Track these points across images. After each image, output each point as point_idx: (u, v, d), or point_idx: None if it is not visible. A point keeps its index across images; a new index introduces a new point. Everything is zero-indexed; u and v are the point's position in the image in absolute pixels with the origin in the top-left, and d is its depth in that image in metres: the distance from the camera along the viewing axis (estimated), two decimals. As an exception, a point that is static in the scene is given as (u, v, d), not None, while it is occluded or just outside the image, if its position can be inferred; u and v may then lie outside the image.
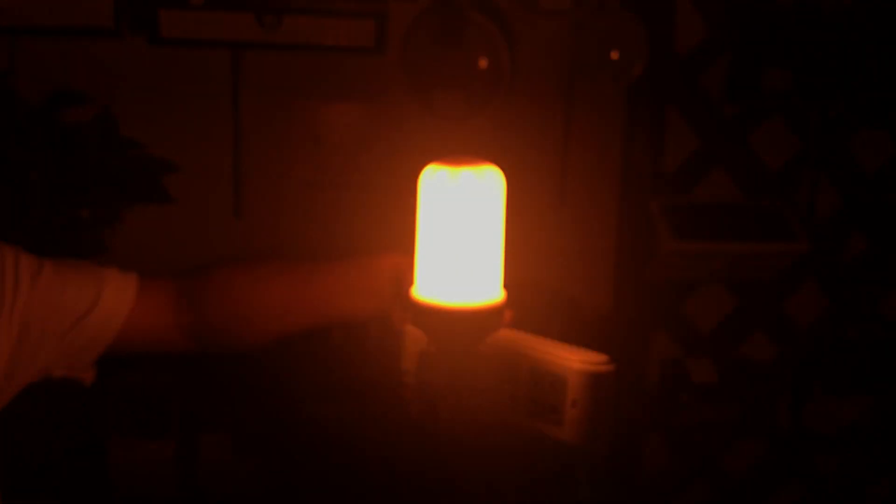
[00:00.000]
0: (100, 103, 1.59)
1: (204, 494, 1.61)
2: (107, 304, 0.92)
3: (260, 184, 1.74)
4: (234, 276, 0.98)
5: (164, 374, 1.62)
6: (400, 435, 1.29)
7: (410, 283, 0.86)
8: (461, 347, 0.83)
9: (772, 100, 1.82)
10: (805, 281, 1.99)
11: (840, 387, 1.99)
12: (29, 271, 0.89)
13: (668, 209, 1.81)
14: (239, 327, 0.97)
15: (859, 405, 2.02)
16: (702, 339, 1.96)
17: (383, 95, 1.74)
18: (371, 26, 1.61)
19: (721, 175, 1.91)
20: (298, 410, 1.60)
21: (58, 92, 1.61)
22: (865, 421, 2.05)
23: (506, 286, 0.85)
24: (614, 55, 1.71)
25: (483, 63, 1.70)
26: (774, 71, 1.77)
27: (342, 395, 1.58)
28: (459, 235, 0.82)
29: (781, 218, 1.87)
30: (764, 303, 1.97)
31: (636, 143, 1.82)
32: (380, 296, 0.95)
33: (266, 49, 1.65)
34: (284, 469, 1.61)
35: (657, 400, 1.93)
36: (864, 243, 2.00)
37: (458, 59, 1.68)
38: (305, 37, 1.61)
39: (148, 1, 1.56)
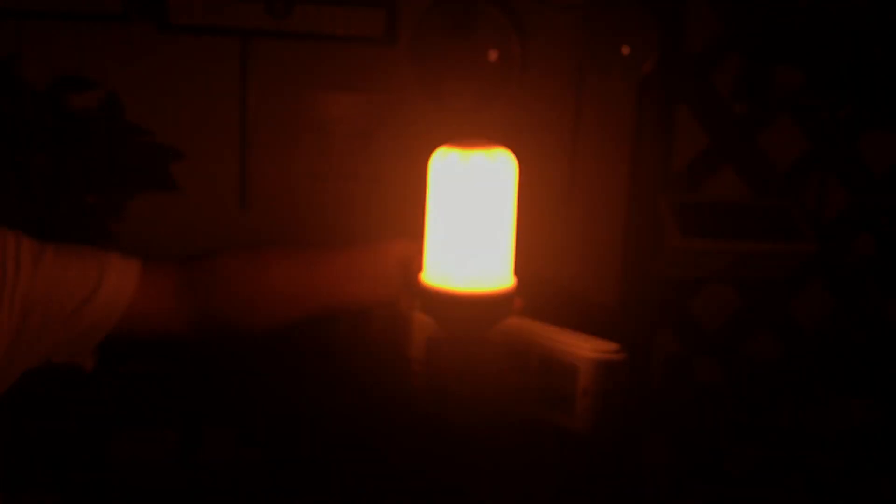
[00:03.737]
0: (106, 89, 1.59)
1: (206, 485, 1.60)
2: (109, 289, 0.91)
3: (266, 173, 1.74)
4: (238, 263, 0.97)
5: (168, 365, 1.61)
6: (407, 425, 1.28)
7: (419, 269, 0.86)
8: (470, 334, 0.83)
9: (782, 99, 1.82)
10: (811, 281, 1.99)
11: (844, 388, 1.99)
12: (31, 255, 0.89)
13: (676, 206, 1.80)
14: (243, 314, 0.96)
15: (863, 407, 2.01)
16: (706, 337, 1.96)
17: (392, 86, 1.73)
18: (381, 16, 1.61)
19: (730, 173, 1.90)
20: (303, 400, 1.59)
21: (64, 77, 1.61)
22: (869, 423, 2.04)
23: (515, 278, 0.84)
24: (625, 50, 1.71)
25: (493, 55, 1.69)
26: (785, 70, 1.76)
27: (347, 387, 1.58)
28: (470, 220, 0.81)
29: (789, 217, 1.87)
30: (769, 302, 1.96)
31: (645, 139, 1.81)
32: (387, 282, 0.95)
33: (275, 37, 1.64)
34: (288, 460, 1.61)
35: (660, 397, 1.93)
36: (871, 245, 2.00)
37: (469, 51, 1.67)
38: (315, 26, 1.61)
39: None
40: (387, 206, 1.46)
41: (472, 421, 0.83)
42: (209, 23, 1.59)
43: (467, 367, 0.82)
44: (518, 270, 0.85)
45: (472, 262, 0.81)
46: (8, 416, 1.45)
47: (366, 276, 0.95)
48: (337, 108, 1.74)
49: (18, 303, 0.86)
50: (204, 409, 1.62)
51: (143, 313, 0.93)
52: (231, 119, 1.71)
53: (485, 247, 0.82)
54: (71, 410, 1.56)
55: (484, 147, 0.81)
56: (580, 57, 1.76)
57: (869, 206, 1.97)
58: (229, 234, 1.71)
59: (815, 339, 2.01)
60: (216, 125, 1.71)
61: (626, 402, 0.82)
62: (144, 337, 0.96)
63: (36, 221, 1.49)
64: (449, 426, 0.83)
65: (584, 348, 0.82)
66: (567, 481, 1.45)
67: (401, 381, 0.91)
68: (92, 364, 0.95)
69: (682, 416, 1.92)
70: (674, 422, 1.94)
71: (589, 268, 1.85)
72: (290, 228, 1.74)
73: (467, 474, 0.87)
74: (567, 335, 0.85)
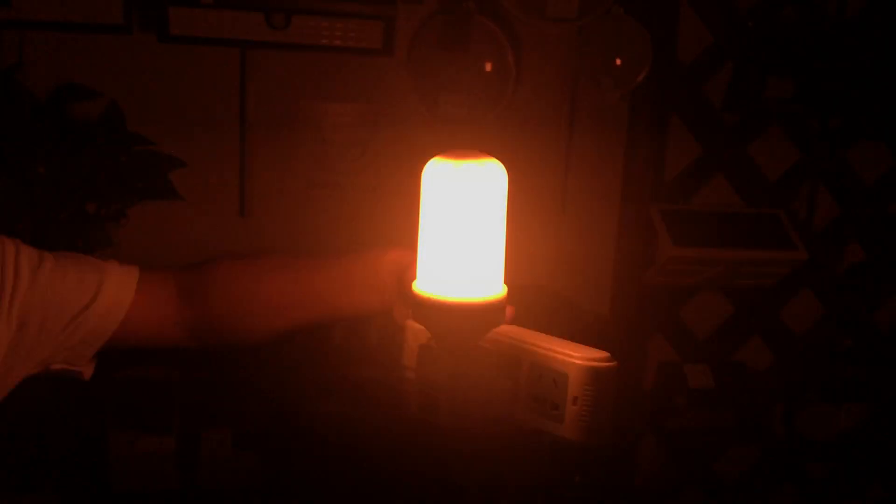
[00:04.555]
0: (108, 99, 1.60)
1: (204, 489, 1.61)
2: (107, 297, 0.91)
3: (265, 182, 1.75)
4: (235, 271, 0.97)
5: (166, 369, 1.62)
6: (400, 431, 1.29)
7: (413, 277, 0.86)
8: (462, 342, 0.82)
9: (772, 109, 1.84)
10: (801, 289, 2.01)
11: (834, 394, 2.01)
12: (29, 264, 0.89)
13: (668, 215, 1.82)
14: (240, 322, 0.97)
15: (852, 413, 2.03)
16: (698, 344, 1.97)
17: (389, 96, 1.75)
18: (379, 28, 1.62)
19: (721, 183, 1.93)
20: (299, 406, 1.61)
21: (66, 86, 1.63)
22: (858, 429, 2.06)
23: (507, 287, 0.84)
24: (618, 62, 1.73)
25: (488, 67, 1.71)
26: (776, 81, 1.78)
27: (343, 392, 1.59)
28: (461, 229, 0.81)
29: (780, 226, 1.89)
30: (760, 310, 1.98)
31: (638, 149, 1.83)
32: (382, 291, 0.95)
33: (274, 48, 1.66)
34: (284, 465, 1.62)
35: (653, 404, 1.94)
36: (861, 253, 2.02)
37: (464, 63, 1.69)
38: (314, 37, 1.62)
39: (158, -1, 1.57)
40: (383, 214, 1.48)
41: (462, 427, 0.83)
42: (209, 34, 1.60)
43: (458, 374, 0.83)
44: (512, 279, 0.86)
45: (464, 272, 0.81)
46: (8, 420, 1.46)
47: (361, 285, 0.95)
48: (335, 118, 1.75)
49: (16, 311, 0.87)
50: (202, 413, 1.63)
51: (141, 321, 0.94)
52: (230, 128, 1.72)
53: (476, 256, 0.82)
54: (70, 414, 1.57)
55: (474, 158, 0.81)
56: (574, 68, 1.78)
57: (858, 216, 2.00)
58: (229, 242, 1.72)
59: (806, 346, 2.03)
60: (216, 134, 1.72)
61: (616, 409, 0.83)
62: (142, 344, 0.97)
63: (37, 229, 1.50)
64: (440, 433, 0.84)
65: (575, 356, 0.82)
66: (559, 487, 1.46)
67: (394, 388, 0.92)
68: (90, 371, 0.96)
69: (675, 421, 1.93)
70: (667, 428, 1.95)
71: (582, 276, 1.87)
72: (289, 236, 1.75)
73: (459, 480, 0.88)
74: (558, 343, 0.85)
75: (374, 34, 1.63)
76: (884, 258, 2.01)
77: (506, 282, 0.85)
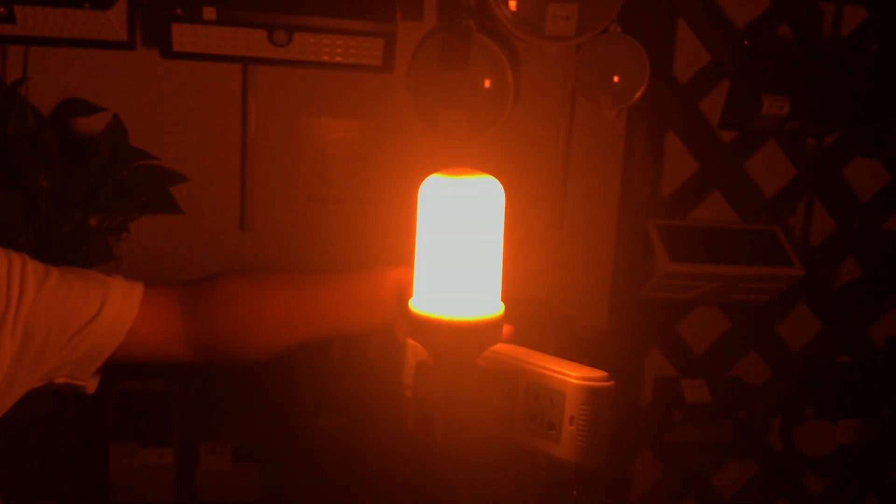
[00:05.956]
0: (111, 113, 1.62)
1: (203, 502, 1.62)
2: (111, 312, 0.92)
3: (266, 197, 1.76)
4: (237, 287, 0.97)
5: (166, 382, 1.63)
6: (398, 447, 1.29)
7: (412, 295, 0.85)
8: (458, 361, 0.81)
9: (768, 126, 1.85)
10: (798, 304, 2.02)
11: (830, 409, 2.01)
12: (35, 277, 0.89)
13: (665, 231, 1.83)
14: (243, 339, 0.97)
15: (849, 428, 2.04)
16: (695, 359, 1.98)
17: (389, 113, 1.76)
18: (379, 45, 1.63)
19: (717, 199, 1.94)
20: (298, 420, 1.61)
21: (70, 101, 1.64)
22: (855, 444, 2.06)
23: (504, 303, 0.83)
24: (615, 79, 1.75)
25: (487, 84, 1.73)
26: (771, 98, 1.80)
27: (341, 407, 1.60)
28: (457, 247, 0.80)
29: (776, 242, 1.90)
30: (757, 325, 1.99)
31: (635, 165, 1.84)
32: (383, 308, 0.95)
33: (276, 65, 1.67)
34: (283, 478, 1.62)
35: (650, 418, 1.95)
36: (857, 269, 2.03)
37: (463, 80, 1.71)
38: (315, 54, 1.62)
39: (161, 15, 1.57)
40: (384, 228, 1.49)
41: (458, 446, 0.83)
42: (212, 50, 1.60)
43: (455, 392, 0.81)
44: (511, 293, 0.86)
45: (460, 290, 0.80)
46: (10, 431, 1.46)
47: (363, 302, 0.95)
48: (335, 133, 1.77)
49: (21, 324, 0.87)
50: (201, 426, 1.64)
51: (145, 337, 0.94)
52: (232, 143, 1.73)
53: (472, 274, 0.81)
54: (71, 425, 1.58)
55: (471, 175, 0.81)
56: (571, 85, 1.79)
57: (854, 232, 2.01)
58: (229, 256, 1.73)
59: (802, 361, 2.04)
60: (217, 149, 1.73)
61: (613, 429, 0.82)
62: (145, 359, 0.97)
63: (40, 242, 1.51)
64: (436, 451, 0.83)
65: (572, 375, 0.81)
66: (556, 502, 1.47)
67: (393, 404, 0.92)
68: (94, 386, 0.96)
69: (672, 436, 1.94)
70: (664, 442, 1.96)
71: (580, 291, 1.88)
72: (289, 250, 1.76)
73: (456, 498, 0.89)
74: (555, 362, 0.84)
75: (375, 51, 1.63)
76: (880, 274, 2.02)
77: (504, 296, 0.84)
